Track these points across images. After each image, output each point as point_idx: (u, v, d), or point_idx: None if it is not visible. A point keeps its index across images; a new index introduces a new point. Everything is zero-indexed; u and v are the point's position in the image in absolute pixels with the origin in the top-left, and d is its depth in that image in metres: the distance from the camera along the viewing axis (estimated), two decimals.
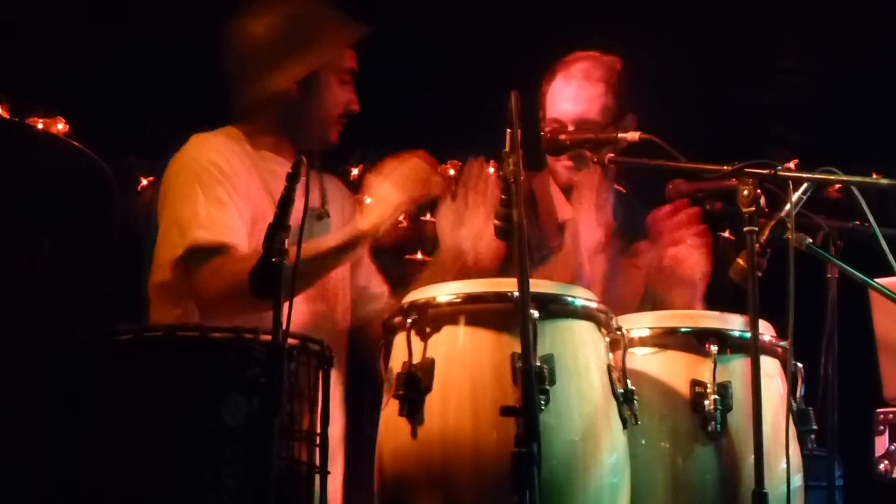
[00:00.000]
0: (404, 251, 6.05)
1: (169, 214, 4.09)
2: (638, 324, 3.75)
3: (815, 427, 3.81)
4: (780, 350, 3.78)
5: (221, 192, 4.07)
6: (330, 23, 4.28)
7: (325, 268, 4.03)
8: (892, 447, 4.25)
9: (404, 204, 4.05)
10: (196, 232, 4.00)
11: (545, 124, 4.53)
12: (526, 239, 3.24)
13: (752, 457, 3.42)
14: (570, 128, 4.43)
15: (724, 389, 3.65)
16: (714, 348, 3.66)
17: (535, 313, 3.32)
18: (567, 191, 4.58)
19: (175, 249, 4.02)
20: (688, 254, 4.39)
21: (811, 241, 3.78)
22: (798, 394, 3.80)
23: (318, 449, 3.45)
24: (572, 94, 4.53)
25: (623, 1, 5.21)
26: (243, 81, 4.25)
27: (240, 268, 3.72)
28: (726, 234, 5.63)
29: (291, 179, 3.34)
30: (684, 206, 4.35)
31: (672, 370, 3.70)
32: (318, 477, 3.44)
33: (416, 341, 3.44)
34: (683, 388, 3.67)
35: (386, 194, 4.02)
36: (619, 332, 3.57)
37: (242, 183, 4.13)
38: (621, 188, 4.74)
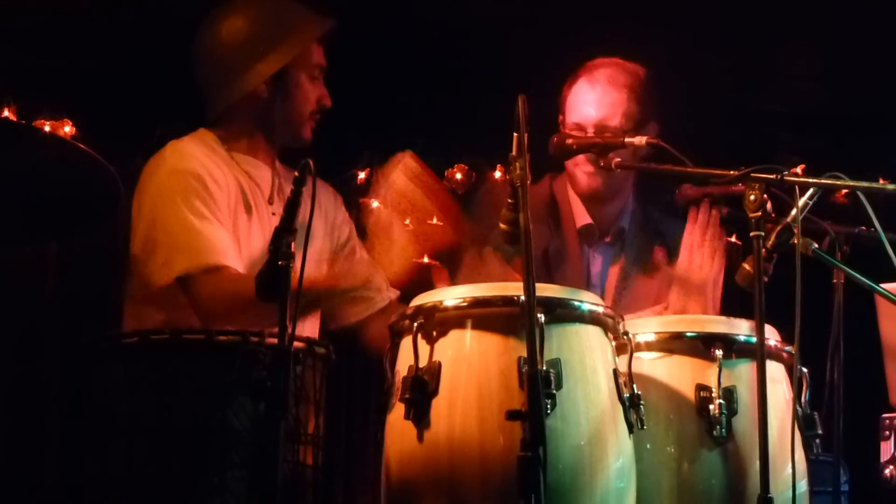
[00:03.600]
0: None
1: (153, 234, 4.06)
2: (644, 328, 3.75)
3: (820, 432, 3.81)
4: (785, 355, 3.78)
5: (204, 209, 4.06)
6: (295, 19, 4.28)
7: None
8: None
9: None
10: (184, 260, 3.99)
11: (565, 128, 4.50)
12: (531, 243, 3.23)
13: (758, 462, 3.41)
14: (591, 132, 4.43)
15: (729, 394, 3.64)
16: (720, 353, 3.66)
17: (542, 317, 3.31)
18: (587, 197, 4.57)
19: (163, 277, 4.00)
20: (701, 261, 4.38)
21: (817, 246, 3.78)
22: (804, 399, 3.79)
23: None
24: (596, 99, 4.50)
25: (631, 6, 5.21)
26: (214, 85, 4.27)
27: (233, 287, 3.83)
28: (733, 239, 5.62)
29: (298, 183, 3.34)
30: (704, 212, 4.33)
31: (678, 375, 3.70)
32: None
33: (423, 345, 3.43)
34: (689, 393, 3.67)
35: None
36: (625, 337, 3.56)
37: (222, 191, 4.14)
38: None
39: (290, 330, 3.19)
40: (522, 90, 3.33)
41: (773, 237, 3.65)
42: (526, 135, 3.32)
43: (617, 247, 4.63)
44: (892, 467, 4.23)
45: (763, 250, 3.57)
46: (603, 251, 4.63)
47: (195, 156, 4.17)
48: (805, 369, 3.80)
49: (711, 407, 3.62)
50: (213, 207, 4.07)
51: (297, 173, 3.35)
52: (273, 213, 4.19)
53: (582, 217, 4.59)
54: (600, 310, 3.51)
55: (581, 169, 4.54)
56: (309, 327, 4.18)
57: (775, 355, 3.75)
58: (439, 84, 5.66)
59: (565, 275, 4.45)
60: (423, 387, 3.39)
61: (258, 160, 4.29)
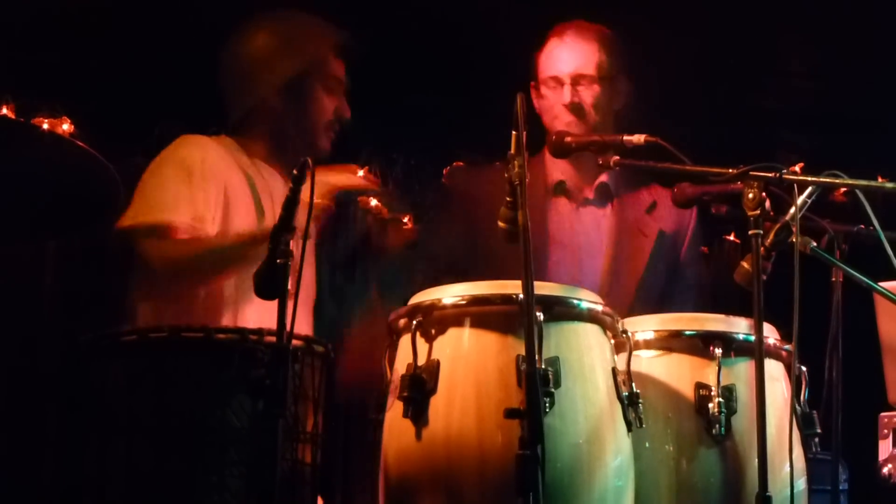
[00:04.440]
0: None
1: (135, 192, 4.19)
2: (643, 326, 3.75)
3: (819, 430, 3.82)
4: (784, 353, 3.78)
5: (181, 174, 4.17)
6: (308, 31, 4.42)
7: (235, 256, 4.07)
8: None
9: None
10: (139, 214, 4.11)
11: (540, 87, 4.69)
12: (530, 242, 3.24)
13: (757, 460, 3.42)
14: (567, 83, 4.61)
15: (728, 392, 3.65)
16: (719, 351, 3.67)
17: (541, 316, 3.32)
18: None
19: (120, 222, 4.10)
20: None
21: (816, 244, 3.79)
22: (802, 397, 3.80)
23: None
24: (567, 51, 4.69)
25: (630, 4, 5.20)
26: (231, 92, 4.40)
27: (175, 248, 4.01)
28: (731, 238, 5.62)
29: (296, 181, 3.34)
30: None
31: (677, 373, 3.70)
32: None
33: (421, 343, 3.44)
34: (688, 391, 3.67)
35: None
36: (624, 335, 3.57)
37: (217, 179, 4.22)
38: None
39: (288, 328, 3.19)
40: (522, 88, 3.33)
41: (771, 235, 3.66)
42: (525, 133, 3.33)
43: (602, 202, 4.71)
44: (890, 466, 4.23)
45: (762, 249, 3.57)
46: (588, 208, 4.68)
47: (200, 143, 4.29)
48: (804, 367, 3.80)
49: (710, 405, 3.62)
50: (197, 181, 4.17)
51: (295, 171, 3.35)
52: None
53: (555, 174, 4.66)
54: (599, 308, 3.51)
55: (561, 120, 4.64)
56: (305, 327, 4.18)
57: (774, 354, 3.76)
58: (438, 81, 5.65)
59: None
60: (421, 385, 3.39)
61: (273, 169, 4.39)
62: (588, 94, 4.63)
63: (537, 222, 4.53)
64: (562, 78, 4.66)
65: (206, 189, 4.16)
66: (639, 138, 4.00)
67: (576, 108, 4.60)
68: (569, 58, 4.69)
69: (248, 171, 4.30)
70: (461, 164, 4.85)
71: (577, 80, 4.64)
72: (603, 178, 4.72)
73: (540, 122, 4.72)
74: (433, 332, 3.45)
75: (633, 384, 3.51)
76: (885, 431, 4.28)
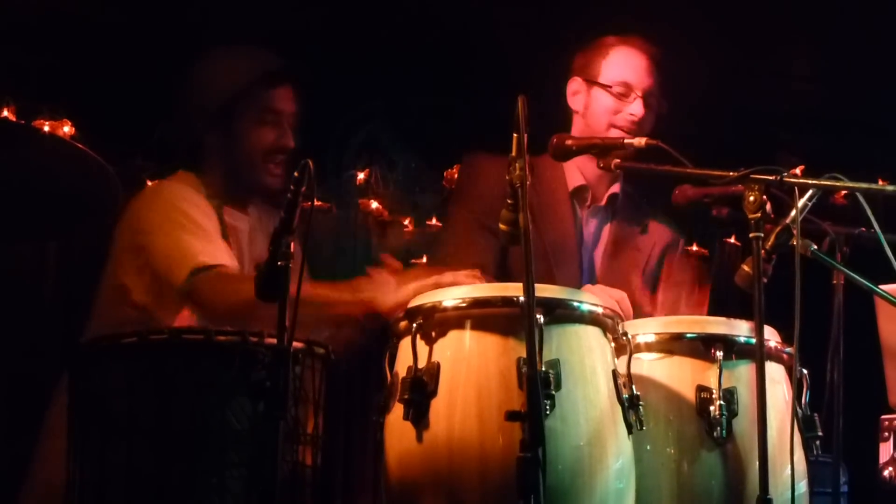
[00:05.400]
0: (410, 255, 6.05)
1: (156, 252, 4.10)
2: (644, 329, 3.75)
3: (820, 433, 3.81)
4: (785, 356, 3.78)
5: (188, 223, 4.11)
6: (234, 62, 4.31)
7: (314, 308, 3.85)
8: None
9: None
10: (194, 259, 4.03)
11: (595, 89, 4.57)
12: (531, 244, 3.23)
13: (758, 462, 3.41)
14: (639, 96, 4.51)
15: (729, 395, 3.64)
16: (720, 354, 3.66)
17: (541, 318, 3.32)
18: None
19: (177, 277, 4.03)
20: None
21: (817, 247, 3.79)
22: (804, 400, 3.80)
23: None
24: (644, 64, 4.58)
25: (632, 6, 5.21)
26: (176, 127, 4.36)
27: (237, 286, 3.87)
28: (732, 240, 5.63)
29: (297, 183, 3.34)
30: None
31: (678, 376, 3.70)
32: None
33: (422, 345, 3.43)
34: (689, 394, 3.67)
35: (406, 291, 3.85)
36: (625, 338, 3.56)
37: (207, 217, 4.19)
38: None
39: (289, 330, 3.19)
40: (523, 90, 3.33)
41: (772, 238, 3.66)
42: (526, 135, 3.33)
43: (610, 211, 4.66)
44: (891, 468, 4.23)
45: (762, 251, 3.57)
46: (597, 214, 4.65)
47: (181, 195, 4.22)
48: (805, 370, 3.80)
49: (712, 408, 3.62)
50: (197, 225, 4.12)
51: (296, 173, 3.34)
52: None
53: (574, 179, 4.61)
54: (600, 310, 3.51)
55: (618, 126, 4.56)
56: None
57: (775, 356, 3.76)
58: (440, 83, 5.66)
59: (554, 236, 4.47)
60: (422, 387, 3.39)
61: (233, 208, 4.32)
62: (649, 114, 4.56)
63: (565, 226, 4.54)
64: (634, 88, 4.54)
65: (207, 232, 4.15)
66: (640, 141, 4.00)
67: (639, 122, 4.51)
68: (645, 72, 4.56)
69: (213, 212, 4.25)
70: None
71: (648, 96, 4.54)
72: (615, 188, 4.68)
73: (551, 123, 4.62)
74: (434, 334, 3.44)
75: (634, 387, 3.51)
76: (886, 434, 4.28)
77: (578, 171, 4.60)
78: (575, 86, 4.63)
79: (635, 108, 4.54)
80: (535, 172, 4.51)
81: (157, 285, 4.11)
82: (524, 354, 3.21)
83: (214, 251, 4.09)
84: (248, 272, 4.15)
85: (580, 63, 4.66)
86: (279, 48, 4.40)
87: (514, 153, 3.35)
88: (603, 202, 4.63)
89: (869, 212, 3.68)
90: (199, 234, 4.11)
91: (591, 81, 4.59)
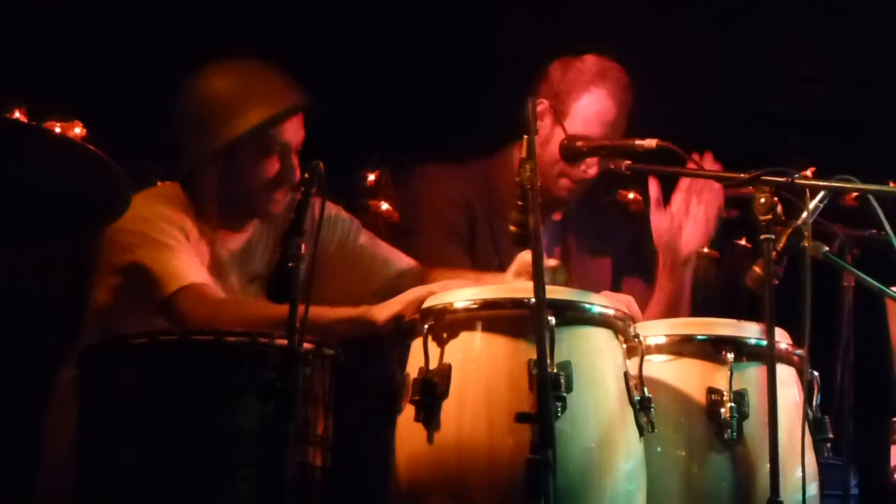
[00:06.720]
0: None
1: (141, 266, 4.01)
2: (654, 331, 3.75)
3: (830, 435, 3.81)
4: (796, 358, 3.78)
5: (170, 241, 4.01)
6: (250, 98, 4.07)
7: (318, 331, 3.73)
8: None
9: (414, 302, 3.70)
10: (171, 284, 3.94)
11: (565, 121, 4.44)
12: (541, 246, 3.24)
13: (768, 465, 3.41)
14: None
15: (740, 397, 3.64)
16: (730, 356, 3.66)
17: (552, 320, 3.31)
18: (556, 201, 4.55)
19: (160, 293, 3.95)
20: (690, 233, 4.41)
21: (827, 249, 3.79)
22: (814, 402, 3.79)
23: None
24: (617, 117, 4.51)
25: (640, 6, 5.21)
26: (178, 146, 4.17)
27: (218, 308, 3.86)
28: (742, 242, 5.61)
29: (307, 184, 3.34)
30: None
31: (688, 378, 3.69)
32: None
33: (433, 347, 3.43)
34: (699, 396, 3.66)
35: (399, 302, 3.75)
36: (635, 340, 3.56)
37: (187, 236, 4.09)
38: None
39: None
40: (526, 92, 3.33)
41: (783, 240, 3.65)
42: (536, 137, 3.33)
43: (562, 225, 4.65)
44: None
45: (773, 253, 3.56)
46: (550, 229, 4.63)
47: (163, 215, 4.08)
48: (815, 372, 3.80)
49: (722, 410, 3.62)
50: (177, 243, 4.02)
51: (306, 174, 3.35)
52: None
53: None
54: (611, 312, 3.51)
55: (559, 181, 4.54)
56: None
57: (786, 359, 3.75)
58: (448, 85, 5.66)
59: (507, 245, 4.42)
60: (433, 389, 3.39)
61: (226, 231, 4.22)
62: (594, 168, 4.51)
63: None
64: (598, 139, 4.36)
65: (185, 246, 4.05)
66: (650, 143, 3.99)
67: (589, 178, 4.51)
68: (611, 126, 4.48)
69: (200, 231, 4.14)
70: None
71: (604, 138, 4.40)
72: (572, 202, 4.63)
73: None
74: (445, 335, 3.44)
75: (645, 389, 3.51)
76: None
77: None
78: (542, 108, 4.48)
79: (592, 169, 4.51)
80: (492, 175, 4.52)
81: (124, 288, 4.05)
82: (535, 356, 3.21)
83: (202, 270, 4.02)
84: (232, 294, 4.14)
85: (555, 83, 4.55)
86: (279, 49, 4.36)
87: (524, 154, 3.35)
88: (558, 216, 4.62)
89: (880, 213, 3.67)
90: (182, 250, 4.01)
91: (559, 120, 4.45)
